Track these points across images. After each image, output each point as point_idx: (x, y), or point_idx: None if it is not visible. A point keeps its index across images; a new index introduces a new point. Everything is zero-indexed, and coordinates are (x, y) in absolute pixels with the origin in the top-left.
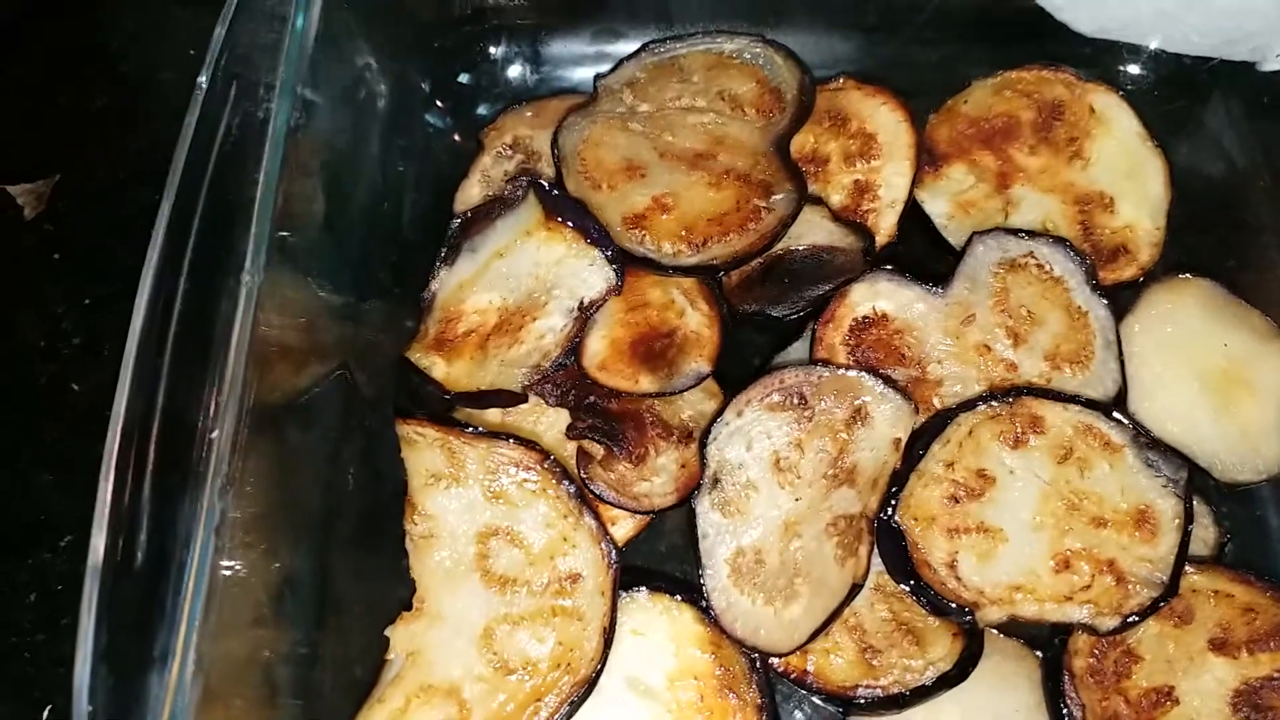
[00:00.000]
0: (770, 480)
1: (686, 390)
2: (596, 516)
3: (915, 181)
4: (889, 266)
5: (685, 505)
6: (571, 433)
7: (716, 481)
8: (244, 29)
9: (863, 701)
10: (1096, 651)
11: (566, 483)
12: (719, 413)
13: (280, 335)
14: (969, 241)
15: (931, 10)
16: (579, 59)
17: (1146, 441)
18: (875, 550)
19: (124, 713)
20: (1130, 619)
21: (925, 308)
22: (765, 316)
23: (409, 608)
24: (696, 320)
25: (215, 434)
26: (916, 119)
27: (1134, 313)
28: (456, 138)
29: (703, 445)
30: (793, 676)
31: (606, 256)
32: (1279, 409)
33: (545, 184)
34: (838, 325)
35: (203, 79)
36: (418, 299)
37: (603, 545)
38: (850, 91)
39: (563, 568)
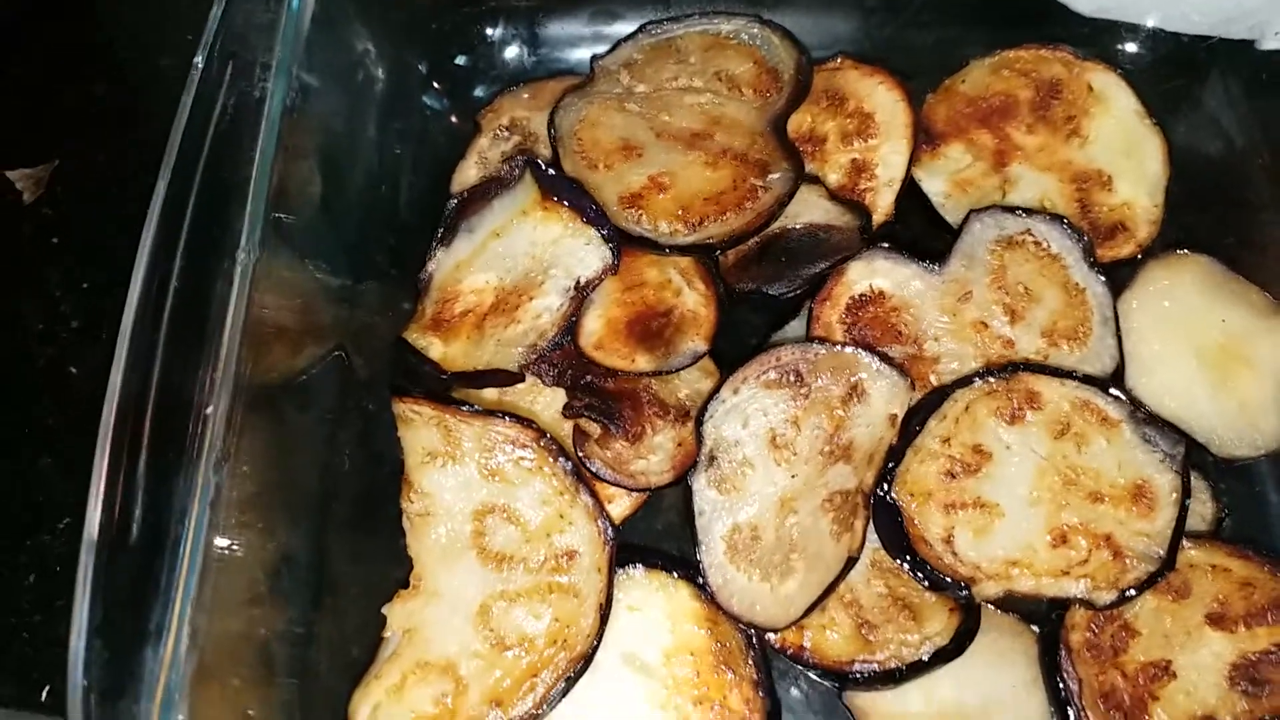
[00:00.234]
0: (766, 457)
1: (683, 369)
2: (593, 494)
3: (913, 160)
4: (886, 244)
5: (682, 483)
6: (568, 411)
7: (713, 459)
8: (240, 9)
9: (859, 676)
10: (1094, 626)
11: (563, 460)
12: (715, 390)
13: (277, 316)
14: (966, 219)
15: None
16: (576, 40)
17: (1144, 416)
18: (871, 526)
19: (119, 687)
20: (1127, 593)
21: (922, 285)
22: (762, 295)
23: (406, 587)
24: (693, 299)
25: (210, 409)
26: (914, 99)
27: (1132, 289)
28: (453, 119)
29: (699, 423)
30: (789, 652)
31: (603, 236)
32: (1277, 385)
33: (542, 164)
34: (835, 303)
35: (199, 59)
36: (415, 281)
37: (599, 522)
38: (848, 71)
39: (559, 545)
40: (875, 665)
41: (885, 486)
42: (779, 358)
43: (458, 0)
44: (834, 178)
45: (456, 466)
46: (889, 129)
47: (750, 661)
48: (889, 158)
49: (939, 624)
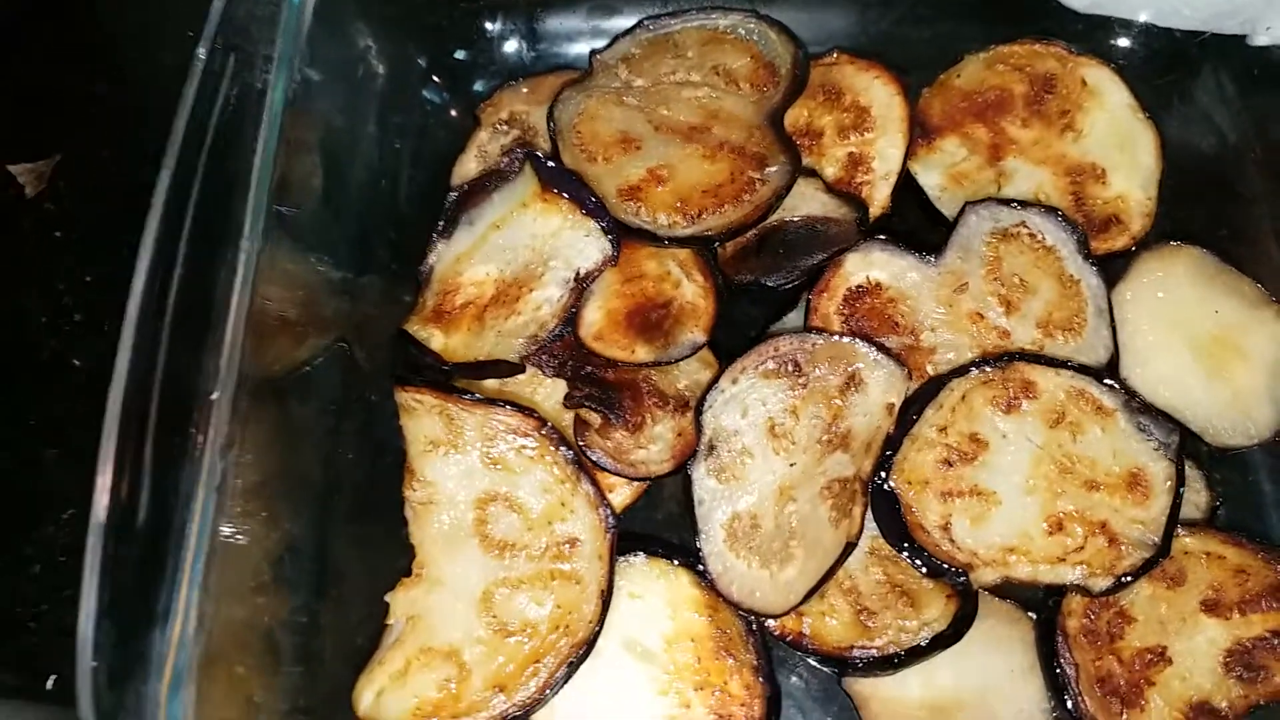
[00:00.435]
0: (765, 446)
1: (682, 360)
2: (594, 482)
3: (908, 154)
4: (882, 236)
5: (681, 472)
6: (569, 401)
7: (712, 448)
8: (242, 4)
9: (858, 662)
10: (1090, 613)
11: (564, 449)
12: (714, 380)
13: (279, 309)
14: (962, 211)
15: None
16: (574, 35)
17: (1138, 406)
18: (869, 513)
19: (128, 668)
20: (1123, 579)
21: (918, 277)
22: (760, 287)
23: (409, 575)
24: (692, 291)
25: (216, 395)
26: (910, 93)
27: (1126, 280)
28: (453, 114)
29: (698, 413)
30: (789, 639)
31: (602, 228)
32: (1269, 375)
33: (541, 156)
34: (832, 294)
35: (201, 51)
36: (415, 274)
37: (600, 510)
38: (844, 66)
39: (561, 532)
40: (874, 651)
41: (883, 475)
42: (777, 348)
43: None
44: (831, 171)
45: (459, 455)
46: (885, 123)
47: (750, 647)
48: (885, 151)
49: (937, 610)
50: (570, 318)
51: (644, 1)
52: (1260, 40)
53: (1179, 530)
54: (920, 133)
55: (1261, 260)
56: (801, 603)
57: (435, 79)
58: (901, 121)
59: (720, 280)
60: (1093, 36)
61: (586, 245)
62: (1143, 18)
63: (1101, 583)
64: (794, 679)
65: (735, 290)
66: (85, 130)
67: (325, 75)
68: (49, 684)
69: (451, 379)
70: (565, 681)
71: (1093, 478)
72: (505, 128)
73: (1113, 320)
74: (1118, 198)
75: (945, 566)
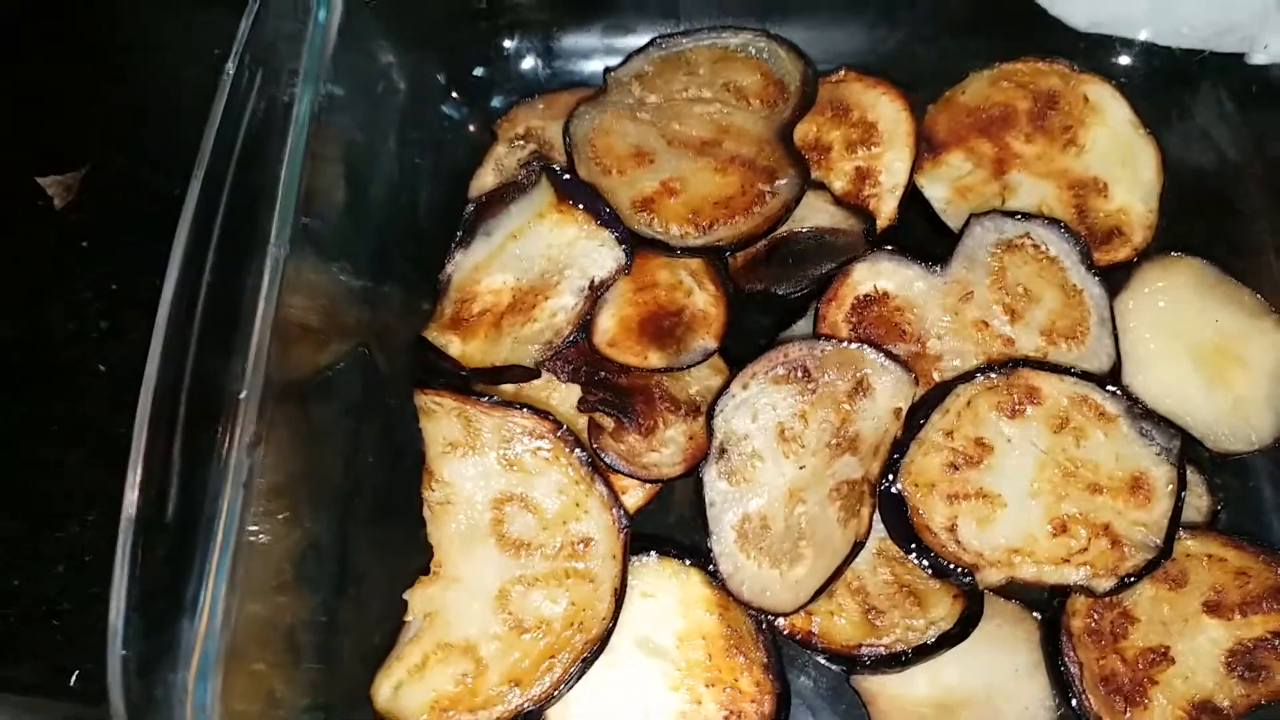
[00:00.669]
0: (775, 449)
1: (694, 366)
2: (608, 483)
3: (915, 168)
4: (889, 246)
5: (693, 475)
6: (583, 406)
7: (723, 451)
8: (269, 21)
9: (866, 660)
10: (1094, 613)
11: (578, 450)
12: (726, 385)
13: (302, 316)
14: (967, 223)
15: (930, 6)
16: (589, 53)
17: (1140, 412)
18: (877, 514)
19: (156, 659)
20: (1126, 580)
21: (925, 286)
22: (770, 295)
23: (426, 574)
24: (703, 299)
25: (244, 395)
26: (916, 109)
27: (1128, 290)
28: (471, 129)
29: (710, 417)
30: (798, 637)
31: (616, 238)
32: (1269, 382)
33: (557, 169)
34: (840, 303)
35: (230, 65)
36: (434, 283)
37: (614, 511)
38: (852, 83)
39: (575, 532)
40: (882, 649)
41: (890, 478)
42: (787, 354)
43: (476, 14)
44: (839, 184)
45: (476, 456)
46: (892, 138)
47: (761, 646)
48: (892, 165)
49: (943, 610)
50: (585, 325)
51: (657, 21)
52: (1258, 58)
53: (1181, 533)
54: (926, 147)
55: (1261, 273)
56: (810, 601)
57: (454, 95)
58: (908, 136)
59: (731, 289)
60: (1094, 54)
61: (601, 255)
62: (1143, 36)
63: (1105, 583)
64: (803, 680)
65: (745, 299)
66: (109, 143)
67: (348, 91)
68: (72, 680)
69: (469, 384)
70: (579, 677)
71: (1096, 481)
72: (521, 143)
73: (1115, 329)
74: (1119, 210)
75: (951, 567)
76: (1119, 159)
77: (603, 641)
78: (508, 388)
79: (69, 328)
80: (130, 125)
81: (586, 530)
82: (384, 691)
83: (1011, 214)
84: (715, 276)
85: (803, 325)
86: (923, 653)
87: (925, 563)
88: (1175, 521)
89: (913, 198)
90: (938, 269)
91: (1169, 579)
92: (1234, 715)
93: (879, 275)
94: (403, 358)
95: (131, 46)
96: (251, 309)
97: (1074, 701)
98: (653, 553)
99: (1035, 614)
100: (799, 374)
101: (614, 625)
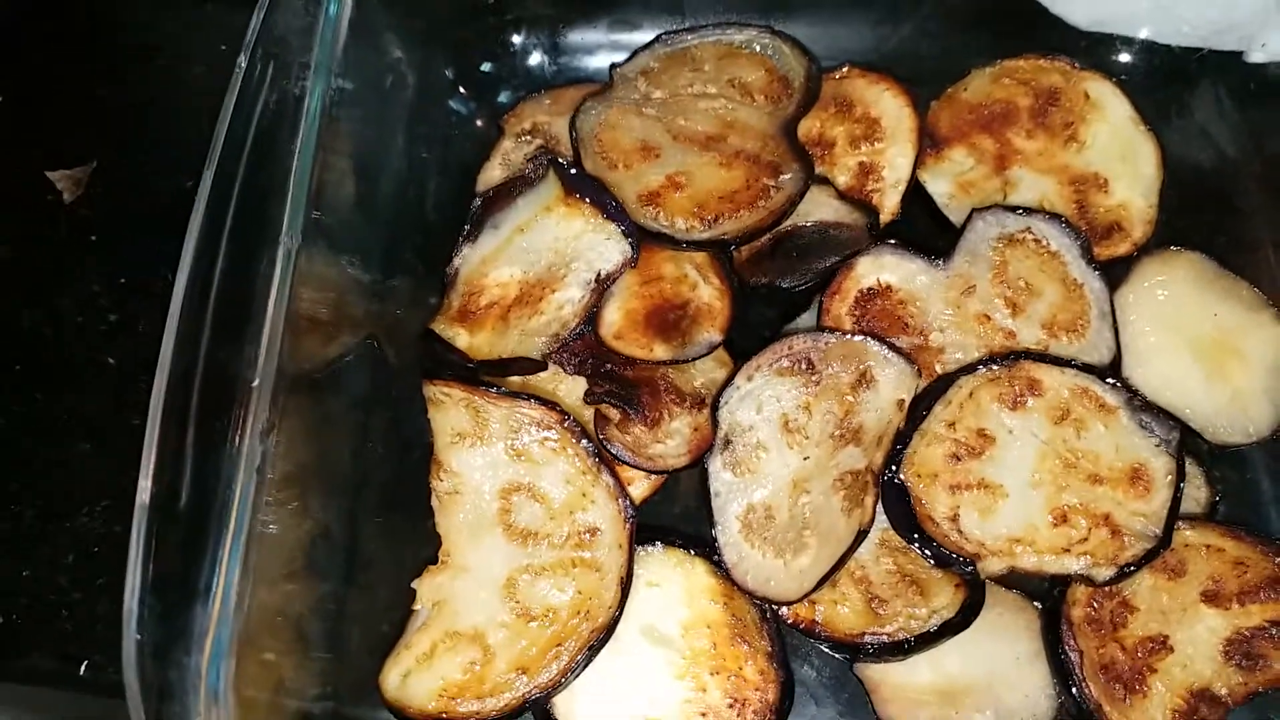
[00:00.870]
0: (779, 440)
1: (699, 358)
2: (614, 474)
3: (917, 163)
4: (893, 241)
5: (698, 466)
6: (589, 398)
7: (728, 443)
8: (280, 15)
9: (869, 648)
10: (1094, 602)
11: (585, 441)
12: (731, 377)
13: (312, 309)
14: (970, 217)
15: (933, 3)
16: (595, 49)
17: (1140, 404)
18: (880, 504)
19: (170, 641)
20: (1126, 569)
21: (928, 280)
22: (774, 289)
23: (435, 564)
24: (708, 293)
25: (256, 383)
26: (919, 105)
27: (1127, 284)
28: (479, 124)
29: (715, 408)
30: (802, 626)
31: (623, 231)
32: (1267, 375)
33: (564, 163)
34: (844, 296)
35: (242, 58)
36: (441, 277)
37: (620, 501)
38: (855, 79)
39: (582, 522)
40: (885, 637)
41: (893, 468)
42: (791, 346)
43: (484, 10)
44: (843, 179)
45: (484, 447)
46: (895, 133)
47: (765, 634)
48: (895, 160)
49: (945, 599)
50: (591, 317)
51: (662, 17)
52: (1256, 57)
53: (1180, 523)
54: (929, 143)
55: (1259, 268)
56: (814, 590)
57: (462, 90)
58: (911, 132)
59: (736, 282)
60: (1095, 52)
61: (607, 248)
62: (1143, 34)
63: (1105, 572)
64: (806, 666)
65: (750, 292)
66: (118, 137)
67: (357, 85)
68: (82, 670)
69: (476, 376)
70: (586, 665)
71: (1096, 472)
72: (528, 137)
73: (1115, 322)
74: (1120, 206)
75: (954, 556)
76: (1119, 155)
77: (609, 630)
78: (514, 380)
79: (78, 321)
80: (131, 123)
81: (593, 520)
82: (392, 679)
83: (1013, 209)
84: (720, 270)
85: (807, 318)
86: (925, 641)
87: (928, 552)
88: (1174, 512)
89: (915, 193)
90: (940, 263)
91: (1168, 569)
92: (1232, 703)
93: (882, 269)
94: (411, 350)
95: (132, 44)
96: (263, 299)
97: (1074, 689)
98: (658, 542)
99: (1036, 603)
100: (803, 366)
101: (620, 614)
